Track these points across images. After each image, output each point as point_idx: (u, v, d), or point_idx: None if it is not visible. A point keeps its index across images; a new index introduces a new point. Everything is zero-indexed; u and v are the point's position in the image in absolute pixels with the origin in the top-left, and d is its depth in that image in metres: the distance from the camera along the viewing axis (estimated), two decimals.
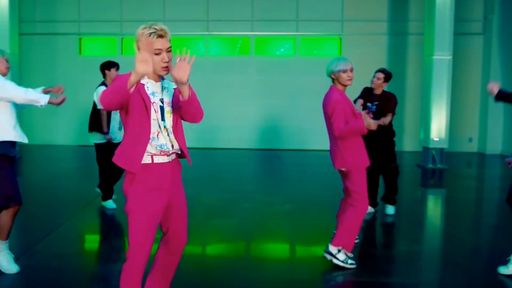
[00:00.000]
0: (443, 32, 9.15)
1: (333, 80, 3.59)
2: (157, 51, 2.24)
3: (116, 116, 5.38)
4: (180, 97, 2.27)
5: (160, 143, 2.32)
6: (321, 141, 11.02)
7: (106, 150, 5.27)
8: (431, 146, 9.19)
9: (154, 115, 2.30)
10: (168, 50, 2.28)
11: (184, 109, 2.31)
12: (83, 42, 12.33)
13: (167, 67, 2.28)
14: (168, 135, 2.36)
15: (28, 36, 11.82)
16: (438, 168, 8.99)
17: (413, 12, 11.65)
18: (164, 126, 2.33)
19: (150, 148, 2.31)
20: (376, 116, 4.89)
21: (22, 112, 11.01)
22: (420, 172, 8.79)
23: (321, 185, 7.11)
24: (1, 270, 3.36)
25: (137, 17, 11.73)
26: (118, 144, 4.85)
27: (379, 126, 4.70)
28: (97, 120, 5.29)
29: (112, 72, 5.30)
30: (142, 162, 2.29)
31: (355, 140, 3.62)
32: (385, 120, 4.97)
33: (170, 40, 2.32)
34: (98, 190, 5.55)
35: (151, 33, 2.21)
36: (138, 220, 2.30)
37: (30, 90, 3.36)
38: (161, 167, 2.36)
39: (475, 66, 11.75)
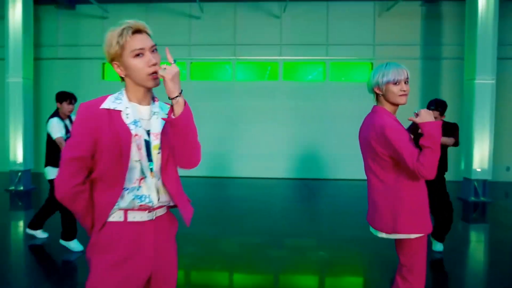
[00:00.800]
0: (486, 55, 8.80)
1: (377, 96, 2.54)
2: (138, 52, 1.64)
3: None
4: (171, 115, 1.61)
5: (141, 194, 1.65)
6: (352, 170, 10.80)
7: None
8: (473, 177, 8.72)
9: (136, 154, 1.63)
10: (153, 50, 1.68)
11: (171, 139, 1.63)
12: (107, 67, 12.13)
13: (155, 73, 1.65)
14: (155, 182, 1.69)
15: (49, 61, 11.68)
16: (481, 201, 8.54)
17: (447, 36, 11.45)
18: (151, 169, 1.66)
19: (122, 202, 1.65)
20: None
21: (39, 141, 11.10)
22: (461, 205, 8.36)
23: (359, 223, 6.39)
24: None
25: (163, 41, 11.47)
26: None
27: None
28: (53, 153, 4.92)
29: (63, 106, 4.97)
30: (110, 220, 1.64)
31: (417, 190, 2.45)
32: (448, 140, 4.82)
33: (152, 38, 1.72)
34: (63, 242, 4.98)
35: (123, 29, 1.63)
36: None
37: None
38: (139, 227, 1.67)
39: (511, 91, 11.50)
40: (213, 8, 11.53)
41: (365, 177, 2.66)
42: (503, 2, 10.23)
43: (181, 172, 1.80)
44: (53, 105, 11.65)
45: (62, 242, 4.97)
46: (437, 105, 4.82)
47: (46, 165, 5.05)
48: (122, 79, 1.73)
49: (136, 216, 1.65)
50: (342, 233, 6.07)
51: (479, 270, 4.88)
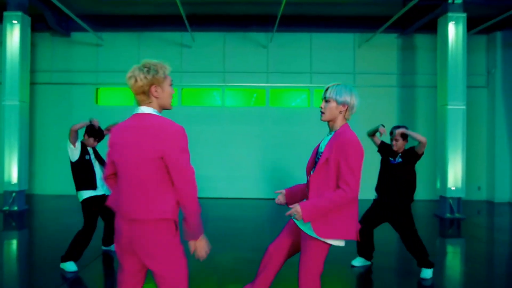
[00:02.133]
0: (456, 83, 9.31)
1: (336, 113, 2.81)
2: (171, 84, 2.41)
3: (98, 169, 5.18)
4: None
5: None
6: None
7: (97, 204, 5.06)
8: (448, 195, 9.16)
9: None
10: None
11: None
12: (100, 92, 12.22)
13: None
14: None
15: (44, 86, 11.75)
16: (456, 217, 8.95)
17: (421, 66, 11.91)
18: None
19: None
20: (400, 171, 4.80)
21: (33, 163, 11.25)
22: (438, 222, 8.75)
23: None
24: None
25: None
26: (106, 196, 5.00)
27: (400, 178, 4.71)
28: (79, 175, 5.05)
29: (89, 140, 5.15)
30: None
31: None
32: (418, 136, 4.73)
33: None
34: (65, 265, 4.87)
35: (167, 65, 2.39)
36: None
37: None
38: None
39: (481, 117, 12.01)
40: (203, 38, 11.80)
41: None
42: (470, 35, 10.94)
43: None
44: (46, 128, 11.77)
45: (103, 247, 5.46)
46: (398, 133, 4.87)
47: (78, 189, 5.10)
48: (140, 103, 2.38)
49: None
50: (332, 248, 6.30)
51: (456, 279, 5.19)
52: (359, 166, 2.64)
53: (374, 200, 4.99)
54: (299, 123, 11.67)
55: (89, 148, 5.22)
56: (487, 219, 9.62)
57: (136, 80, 2.32)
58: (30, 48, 10.08)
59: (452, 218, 8.90)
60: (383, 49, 11.90)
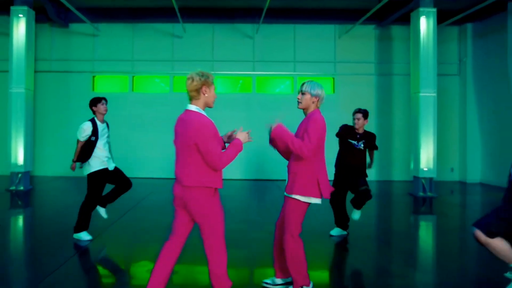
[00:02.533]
0: (428, 72, 9.84)
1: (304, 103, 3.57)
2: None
3: (105, 147, 5.37)
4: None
5: None
6: None
7: (104, 177, 5.36)
8: (420, 175, 9.63)
9: None
10: None
11: None
12: (96, 80, 12.66)
13: None
14: None
15: (43, 74, 12.21)
16: (428, 196, 9.40)
17: (397, 55, 12.42)
18: None
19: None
20: (363, 152, 5.53)
21: (35, 145, 11.76)
22: (412, 200, 9.13)
23: (325, 216, 6.86)
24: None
25: (147, 57, 12.39)
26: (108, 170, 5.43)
27: (355, 163, 5.47)
28: (88, 151, 5.29)
29: (98, 107, 5.35)
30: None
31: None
32: (371, 164, 5.80)
33: None
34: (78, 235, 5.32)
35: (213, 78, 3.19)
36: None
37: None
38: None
39: (453, 103, 12.60)
40: (194, 29, 12.31)
41: None
42: (441, 27, 11.52)
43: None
44: (46, 113, 12.32)
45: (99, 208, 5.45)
46: (362, 111, 5.58)
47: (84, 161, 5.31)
48: (191, 99, 3.14)
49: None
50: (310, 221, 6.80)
51: (428, 250, 5.63)
52: (316, 134, 3.38)
53: (335, 174, 5.70)
54: (284, 108, 11.98)
55: (99, 126, 5.36)
56: (459, 197, 10.13)
57: (193, 80, 3.09)
58: (34, 39, 10.55)
59: (425, 196, 9.35)
60: (362, 39, 12.45)
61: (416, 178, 9.82)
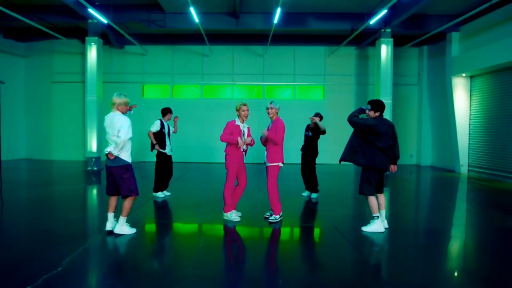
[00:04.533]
0: (386, 83, 12.07)
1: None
2: (244, 109, 5.43)
3: (168, 137, 7.05)
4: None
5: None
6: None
7: (164, 159, 7.07)
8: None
9: (243, 136, 5.51)
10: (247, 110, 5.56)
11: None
12: (145, 88, 14.70)
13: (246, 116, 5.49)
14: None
15: (106, 84, 14.19)
16: (387, 174, 11.59)
17: (372, 69, 14.60)
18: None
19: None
20: (312, 139, 7.19)
21: (103, 137, 13.82)
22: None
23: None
24: (126, 234, 4.95)
25: (183, 70, 14.47)
26: (170, 156, 7.29)
27: (309, 147, 7.22)
28: (160, 139, 7.01)
29: (166, 117, 7.08)
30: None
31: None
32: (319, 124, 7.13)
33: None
34: (156, 194, 7.12)
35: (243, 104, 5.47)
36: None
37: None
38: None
39: (413, 105, 15.01)
40: (218, 49, 14.38)
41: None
42: (405, 48, 13.87)
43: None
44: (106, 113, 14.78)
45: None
46: (319, 115, 7.12)
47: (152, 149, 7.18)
48: (237, 115, 5.79)
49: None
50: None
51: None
52: (282, 131, 5.48)
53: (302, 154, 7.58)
54: (286, 110, 14.17)
55: (165, 124, 7.09)
56: (411, 176, 12.24)
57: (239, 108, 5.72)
58: (102, 60, 12.89)
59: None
60: (345, 57, 14.57)
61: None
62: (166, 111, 7.35)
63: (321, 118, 7.32)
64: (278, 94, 14.80)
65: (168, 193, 7.65)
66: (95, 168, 11.97)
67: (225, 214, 5.88)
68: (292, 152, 12.49)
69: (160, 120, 7.25)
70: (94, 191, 8.83)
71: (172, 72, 14.62)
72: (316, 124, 7.16)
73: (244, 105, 5.62)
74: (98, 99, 12.45)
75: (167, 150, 7.29)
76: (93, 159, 12.24)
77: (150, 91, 14.81)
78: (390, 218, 6.24)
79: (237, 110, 5.63)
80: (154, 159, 7.50)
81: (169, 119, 7.43)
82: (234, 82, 14.45)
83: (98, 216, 6.27)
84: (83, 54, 12.92)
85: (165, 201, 7.37)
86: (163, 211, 6.77)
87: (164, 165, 7.28)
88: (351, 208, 7.20)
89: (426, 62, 14.76)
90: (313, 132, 7.29)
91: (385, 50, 12.59)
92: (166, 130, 7.26)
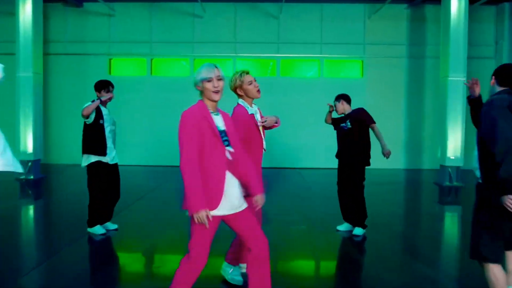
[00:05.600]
0: (458, 55, 9.20)
1: (200, 93, 2.71)
2: (251, 81, 3.28)
3: (110, 134, 4.90)
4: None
5: None
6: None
7: (103, 171, 4.83)
8: (447, 164, 8.98)
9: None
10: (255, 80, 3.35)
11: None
12: (113, 63, 12.12)
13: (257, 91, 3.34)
14: None
15: (57, 56, 11.62)
16: (454, 185, 8.76)
17: (430, 36, 11.71)
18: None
19: None
20: (353, 136, 4.88)
21: (48, 134, 11.26)
22: (438, 190, 8.61)
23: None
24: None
25: (166, 38, 11.73)
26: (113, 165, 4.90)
27: (350, 150, 4.85)
28: (91, 140, 4.76)
29: (101, 94, 4.85)
30: None
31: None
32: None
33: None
34: (91, 229, 4.87)
35: (241, 72, 3.29)
36: None
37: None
38: None
39: (486, 87, 11.77)
40: (214, 8, 11.61)
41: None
42: (473, 6, 10.52)
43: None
44: (61, 98, 11.76)
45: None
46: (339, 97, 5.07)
47: (84, 152, 4.82)
48: (239, 96, 3.33)
49: None
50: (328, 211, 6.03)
51: (453, 243, 5.16)
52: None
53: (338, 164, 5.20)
54: (309, 93, 11.48)
55: (104, 110, 4.86)
56: None
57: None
58: (42, 19, 9.82)
59: (451, 186, 8.77)
60: (392, 20, 11.73)
61: (442, 167, 9.16)
62: (103, 85, 4.99)
63: (346, 101, 5.14)
64: (298, 71, 12.39)
65: (114, 226, 5.18)
66: (31, 177, 9.16)
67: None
68: (320, 155, 11.19)
69: (97, 102, 4.80)
70: (30, 212, 6.81)
71: (151, 40, 12.03)
72: (334, 109, 5.18)
73: (247, 74, 3.39)
74: (35, 76, 9.53)
75: (109, 157, 4.95)
76: (29, 163, 9.25)
77: (120, 66, 12.49)
78: None
79: (238, 86, 3.36)
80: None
81: (110, 100, 5.00)
82: (237, 54, 11.88)
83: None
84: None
85: (107, 240, 4.93)
86: (98, 260, 4.34)
87: (105, 181, 4.97)
88: (438, 260, 4.44)
89: (508, 26, 11.63)
90: (355, 123, 4.93)
91: (456, 7, 9.17)
92: (106, 122, 4.93)
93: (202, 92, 2.62)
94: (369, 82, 11.78)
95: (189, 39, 11.70)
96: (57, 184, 9.14)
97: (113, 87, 4.92)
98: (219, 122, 2.67)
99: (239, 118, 3.27)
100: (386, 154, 4.74)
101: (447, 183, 8.81)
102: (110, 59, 11.96)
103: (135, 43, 11.79)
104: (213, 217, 2.44)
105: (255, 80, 3.40)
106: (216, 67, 2.60)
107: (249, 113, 3.37)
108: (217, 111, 2.69)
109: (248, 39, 11.76)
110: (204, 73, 2.57)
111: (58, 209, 6.72)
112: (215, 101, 2.62)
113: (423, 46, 11.81)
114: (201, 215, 2.40)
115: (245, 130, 3.27)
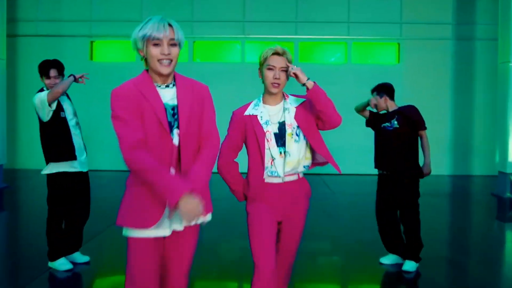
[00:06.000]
0: None
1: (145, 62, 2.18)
2: (270, 67, 2.52)
3: (77, 129, 4.13)
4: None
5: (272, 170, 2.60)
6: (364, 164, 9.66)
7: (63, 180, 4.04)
8: (508, 171, 8.12)
9: (267, 144, 2.50)
10: (282, 70, 2.47)
11: (317, 109, 2.46)
12: (95, 46, 11.32)
13: (277, 84, 2.46)
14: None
15: (27, 38, 10.86)
16: None
17: (482, 14, 10.72)
18: (281, 152, 2.51)
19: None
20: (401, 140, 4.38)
21: (14, 133, 9.93)
22: (496, 202, 7.79)
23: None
24: None
25: (160, 15, 10.40)
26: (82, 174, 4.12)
27: (396, 159, 4.33)
28: (54, 143, 4.02)
29: (49, 81, 4.10)
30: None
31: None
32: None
33: (288, 60, 2.51)
34: (53, 264, 4.09)
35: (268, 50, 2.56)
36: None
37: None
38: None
39: None
40: None
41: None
42: None
43: None
44: (32, 89, 10.79)
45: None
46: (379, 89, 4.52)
47: (49, 161, 4.06)
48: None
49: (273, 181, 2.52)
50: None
51: None
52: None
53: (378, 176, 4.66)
54: (334, 82, 10.48)
55: (63, 99, 4.06)
56: None
57: None
58: None
59: None
60: None
61: (502, 174, 8.32)
62: (42, 68, 4.02)
63: (390, 95, 4.36)
64: (321, 56, 11.61)
65: (84, 259, 4.18)
66: None
67: None
68: (349, 159, 10.27)
69: (71, 79, 3.99)
70: None
71: (141, 19, 10.98)
72: (376, 105, 4.46)
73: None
74: None
75: (79, 162, 4.02)
76: None
77: (104, 50, 11.81)
78: None
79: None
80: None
81: (83, 81, 4.17)
82: (246, 35, 11.07)
83: None
84: None
85: (74, 279, 4.11)
86: None
87: (70, 195, 4.08)
88: None
89: None
90: (405, 122, 4.16)
91: None
92: (68, 114, 4.03)
93: (145, 60, 2.07)
94: (406, 69, 11.07)
95: (187, 17, 10.84)
96: (23, 195, 8.33)
97: (60, 70, 4.05)
98: (168, 96, 2.14)
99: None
100: (426, 174, 4.28)
101: (508, 194, 8.04)
102: (91, 42, 11.22)
103: (122, 22, 10.99)
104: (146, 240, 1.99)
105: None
106: (170, 24, 1.99)
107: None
108: (172, 81, 2.11)
109: (259, 17, 11.06)
110: (149, 29, 1.95)
111: (18, 230, 5.99)
112: (164, 75, 2.01)
113: (472, 26, 10.90)
114: (189, 202, 1.92)
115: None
